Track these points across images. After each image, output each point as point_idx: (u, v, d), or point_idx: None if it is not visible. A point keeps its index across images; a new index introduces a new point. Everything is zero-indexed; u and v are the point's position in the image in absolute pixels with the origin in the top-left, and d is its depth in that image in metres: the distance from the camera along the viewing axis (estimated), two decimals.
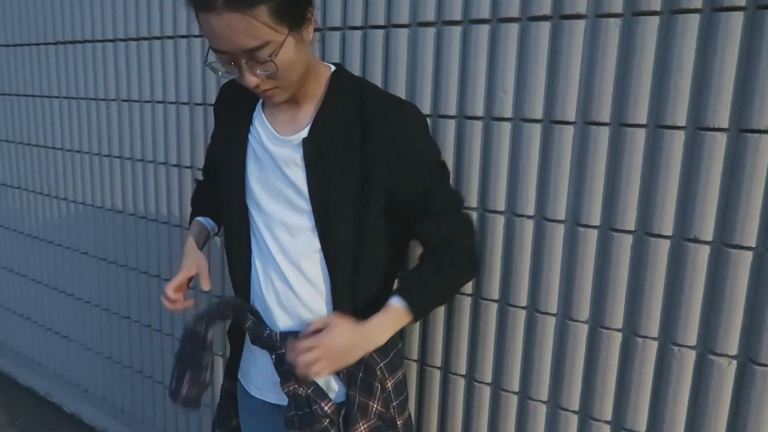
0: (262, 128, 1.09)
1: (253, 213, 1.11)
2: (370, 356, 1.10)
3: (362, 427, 1.08)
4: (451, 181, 1.19)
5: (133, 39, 1.90)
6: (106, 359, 2.33)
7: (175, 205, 1.89)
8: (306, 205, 1.05)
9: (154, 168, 1.93)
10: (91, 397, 2.45)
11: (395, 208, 1.05)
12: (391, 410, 1.11)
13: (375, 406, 1.09)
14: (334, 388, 1.11)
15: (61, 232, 2.36)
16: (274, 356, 1.10)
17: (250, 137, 1.10)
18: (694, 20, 0.99)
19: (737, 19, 0.96)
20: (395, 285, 1.16)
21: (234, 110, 1.14)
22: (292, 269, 1.08)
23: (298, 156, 1.03)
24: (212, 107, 1.66)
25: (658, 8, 1.02)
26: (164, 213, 1.93)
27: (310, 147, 1.02)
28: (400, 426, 1.13)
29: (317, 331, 0.99)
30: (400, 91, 1.33)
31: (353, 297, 1.08)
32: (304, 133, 1.03)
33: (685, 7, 1.00)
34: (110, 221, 2.13)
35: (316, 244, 1.06)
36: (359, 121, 1.01)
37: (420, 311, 1.07)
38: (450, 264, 1.10)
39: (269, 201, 1.08)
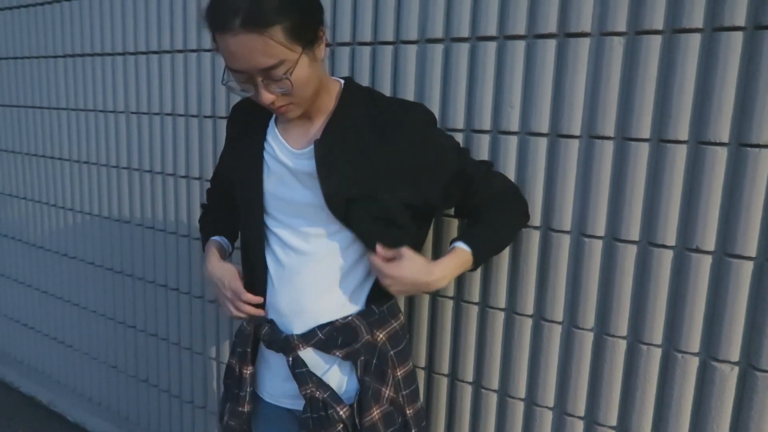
0: (275, 143, 1.12)
1: (270, 225, 1.14)
2: (383, 344, 1.13)
3: (376, 412, 1.11)
4: None
5: (143, 53, 1.93)
6: (111, 368, 2.34)
7: (183, 216, 1.92)
8: (321, 212, 1.08)
9: (162, 179, 1.96)
10: (95, 406, 2.46)
11: (436, 197, 1.12)
12: (400, 398, 1.15)
13: (387, 392, 1.12)
14: (347, 388, 1.14)
15: (67, 242, 2.39)
16: (291, 359, 1.12)
17: (265, 153, 1.14)
18: (696, 39, 1.04)
19: (737, 39, 1.00)
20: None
21: (247, 128, 1.18)
22: (308, 276, 1.11)
23: (312, 166, 1.07)
24: (220, 121, 1.70)
25: (660, 27, 1.07)
26: (172, 223, 1.96)
27: (321, 149, 1.06)
28: (409, 416, 1.16)
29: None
30: None
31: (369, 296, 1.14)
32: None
33: (686, 27, 1.04)
34: (117, 231, 2.16)
35: (332, 249, 1.10)
36: (372, 125, 1.06)
37: (481, 256, 1.14)
38: (505, 211, 1.18)
39: (285, 212, 1.11)
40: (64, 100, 2.26)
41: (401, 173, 1.07)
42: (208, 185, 1.82)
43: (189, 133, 1.85)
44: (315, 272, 1.11)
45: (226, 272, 1.19)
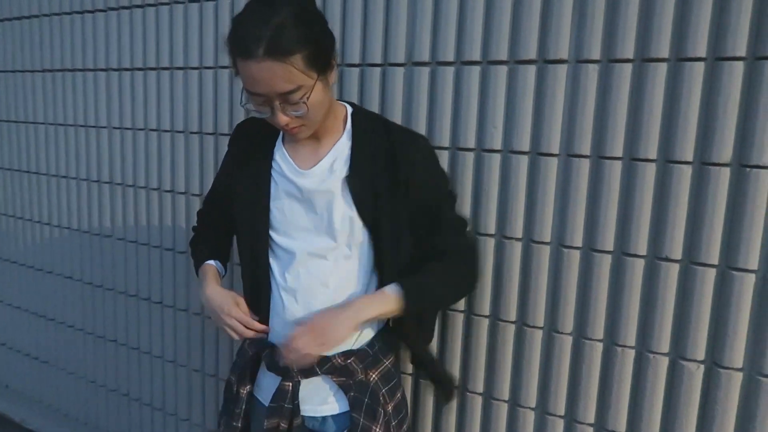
0: (283, 162, 1.18)
1: (277, 240, 1.19)
2: (375, 383, 1.19)
3: None
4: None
5: (127, 69, 1.96)
6: (89, 383, 2.33)
7: (168, 230, 1.95)
8: (329, 229, 1.14)
9: (146, 193, 1.98)
10: (71, 422, 2.43)
11: (415, 221, 1.16)
12: (391, 429, 1.21)
13: (378, 429, 1.18)
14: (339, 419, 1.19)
15: (44, 257, 2.37)
16: (290, 385, 1.18)
17: (273, 171, 1.19)
18: (663, 68, 1.15)
19: (699, 68, 1.12)
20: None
21: (253, 147, 1.22)
22: (319, 291, 1.17)
23: (325, 187, 1.13)
24: (206, 137, 1.73)
25: (631, 56, 1.17)
26: (156, 237, 1.98)
27: (353, 182, 1.12)
28: None
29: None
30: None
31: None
32: (326, 163, 1.14)
33: (654, 57, 1.15)
34: (98, 246, 2.16)
35: (332, 264, 1.16)
36: (386, 152, 1.13)
37: (412, 300, 1.12)
38: (451, 269, 1.18)
39: (294, 228, 1.17)
40: (42, 114, 2.25)
41: (413, 195, 1.13)
42: (193, 200, 1.86)
43: (175, 149, 1.88)
44: (318, 286, 1.17)
45: (225, 299, 1.20)
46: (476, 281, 1.30)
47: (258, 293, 1.22)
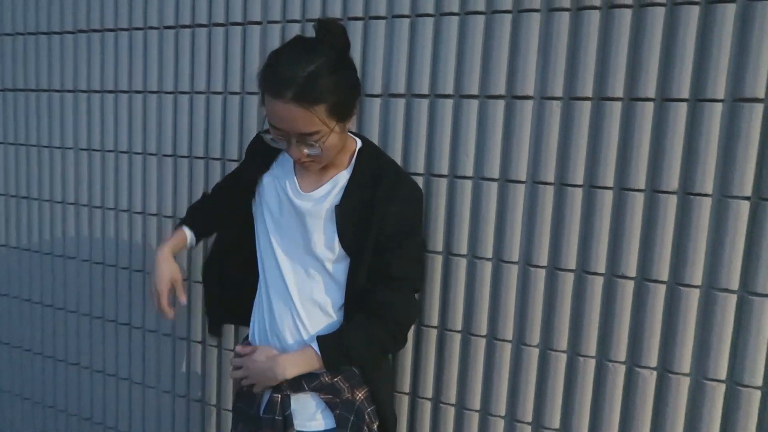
0: (288, 181, 1.26)
1: (276, 252, 1.27)
2: (361, 402, 1.27)
3: None
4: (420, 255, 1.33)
5: (96, 91, 1.97)
6: (47, 408, 2.27)
7: (138, 250, 1.95)
8: (313, 250, 1.22)
9: (115, 215, 1.98)
10: None
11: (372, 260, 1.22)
12: None
13: None
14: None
15: (0, 280, 2.31)
16: (279, 397, 1.24)
17: (278, 188, 1.28)
18: (617, 106, 1.29)
19: (649, 107, 1.26)
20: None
21: (265, 160, 1.31)
22: (304, 302, 1.25)
23: (316, 210, 1.22)
24: (180, 160, 1.78)
25: (589, 95, 1.31)
26: (125, 258, 1.98)
27: (340, 211, 1.21)
28: None
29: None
30: None
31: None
32: (323, 191, 1.23)
33: (610, 96, 1.29)
34: (60, 267, 2.13)
35: (326, 282, 1.24)
36: (370, 195, 1.20)
37: (330, 362, 1.21)
38: (375, 330, 1.21)
39: (285, 244, 1.26)
40: (2, 134, 2.21)
41: (379, 233, 1.19)
42: (165, 221, 1.88)
43: (147, 171, 1.90)
44: (311, 298, 1.25)
45: (164, 274, 1.31)
46: (397, 344, 1.29)
47: (250, 293, 1.34)
